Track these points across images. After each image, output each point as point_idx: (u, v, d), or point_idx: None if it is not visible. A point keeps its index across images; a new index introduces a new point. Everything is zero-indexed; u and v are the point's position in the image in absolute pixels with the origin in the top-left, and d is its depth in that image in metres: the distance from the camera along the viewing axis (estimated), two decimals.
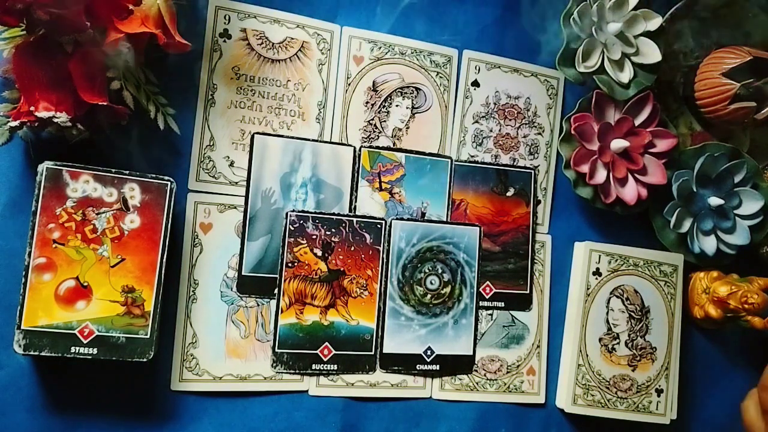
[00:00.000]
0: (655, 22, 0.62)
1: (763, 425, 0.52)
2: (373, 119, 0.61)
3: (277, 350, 0.55)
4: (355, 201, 0.59)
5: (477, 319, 0.62)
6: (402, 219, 0.60)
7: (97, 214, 0.48)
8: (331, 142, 0.59)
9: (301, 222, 0.56)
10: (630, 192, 0.64)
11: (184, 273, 0.54)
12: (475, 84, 0.64)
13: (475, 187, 0.63)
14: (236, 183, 0.56)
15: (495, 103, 0.65)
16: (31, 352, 0.45)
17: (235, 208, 0.56)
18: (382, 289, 0.59)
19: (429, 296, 0.60)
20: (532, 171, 0.65)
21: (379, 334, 0.58)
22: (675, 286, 0.68)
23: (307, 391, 0.57)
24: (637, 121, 0.64)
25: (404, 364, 0.59)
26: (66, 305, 0.46)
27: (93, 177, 0.48)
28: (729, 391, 0.72)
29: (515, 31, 0.66)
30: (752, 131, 0.71)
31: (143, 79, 0.51)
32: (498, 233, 0.63)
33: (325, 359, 0.57)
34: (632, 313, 0.66)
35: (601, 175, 0.64)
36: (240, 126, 0.56)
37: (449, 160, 0.62)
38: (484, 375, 0.62)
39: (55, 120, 0.44)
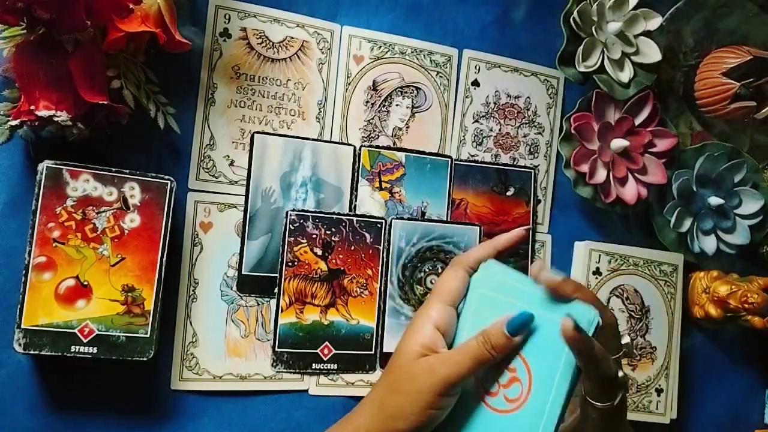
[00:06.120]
0: (655, 22, 0.62)
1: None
2: (373, 118, 0.61)
3: (277, 349, 0.55)
4: (355, 200, 0.59)
5: None
6: (402, 218, 0.60)
7: (97, 213, 0.48)
8: (331, 142, 0.59)
9: (301, 221, 0.56)
10: (630, 191, 0.64)
11: (184, 272, 0.54)
12: (475, 83, 0.64)
13: (475, 187, 0.63)
14: (236, 182, 0.56)
15: (495, 103, 0.65)
16: (31, 351, 0.45)
17: (235, 207, 0.56)
18: (382, 288, 0.59)
19: None
20: (532, 170, 0.65)
21: (379, 333, 0.58)
22: (675, 286, 0.68)
23: (307, 390, 0.57)
24: (637, 121, 0.64)
25: None
26: (66, 304, 0.46)
27: (93, 176, 0.48)
28: (729, 390, 0.72)
29: (515, 31, 0.66)
30: (752, 131, 0.71)
31: (143, 78, 0.51)
32: (498, 233, 0.63)
33: (325, 358, 0.56)
34: (632, 313, 0.66)
35: (601, 175, 0.64)
36: (240, 125, 0.56)
37: (449, 160, 0.62)
38: None
39: (56, 119, 0.44)
